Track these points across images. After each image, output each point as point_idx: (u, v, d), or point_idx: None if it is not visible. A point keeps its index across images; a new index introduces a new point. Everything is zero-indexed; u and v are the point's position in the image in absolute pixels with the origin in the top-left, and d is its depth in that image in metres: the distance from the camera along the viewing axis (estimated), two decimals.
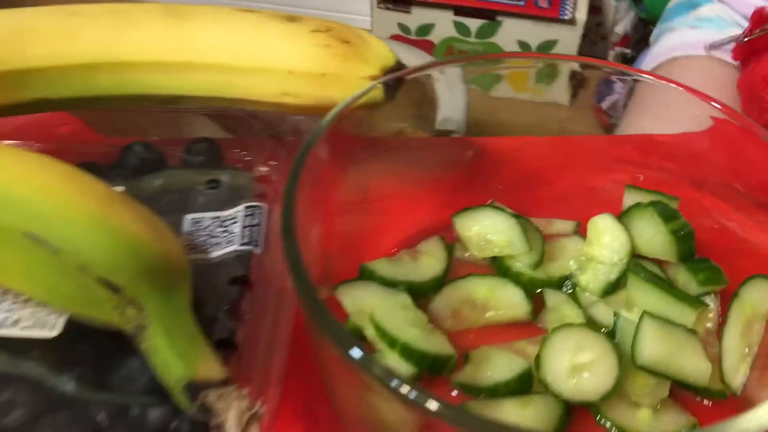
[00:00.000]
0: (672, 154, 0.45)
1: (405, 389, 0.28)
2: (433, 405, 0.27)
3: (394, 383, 0.28)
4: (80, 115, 0.52)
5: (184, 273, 0.35)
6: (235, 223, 0.40)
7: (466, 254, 0.46)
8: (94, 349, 0.36)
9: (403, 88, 0.51)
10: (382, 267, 0.43)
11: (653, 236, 0.43)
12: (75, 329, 0.35)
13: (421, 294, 0.43)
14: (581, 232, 0.46)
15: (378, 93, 0.41)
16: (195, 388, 0.30)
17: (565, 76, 0.49)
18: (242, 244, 0.39)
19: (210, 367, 0.31)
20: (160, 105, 0.45)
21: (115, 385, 0.35)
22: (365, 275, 0.43)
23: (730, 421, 0.28)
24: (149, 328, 0.32)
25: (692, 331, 0.39)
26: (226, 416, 0.29)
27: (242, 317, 0.36)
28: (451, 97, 0.55)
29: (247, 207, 0.40)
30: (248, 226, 0.39)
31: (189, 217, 0.41)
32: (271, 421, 0.37)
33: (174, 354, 0.31)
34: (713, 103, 0.40)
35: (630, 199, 0.45)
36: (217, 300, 0.36)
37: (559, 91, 0.51)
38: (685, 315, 0.40)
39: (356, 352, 0.29)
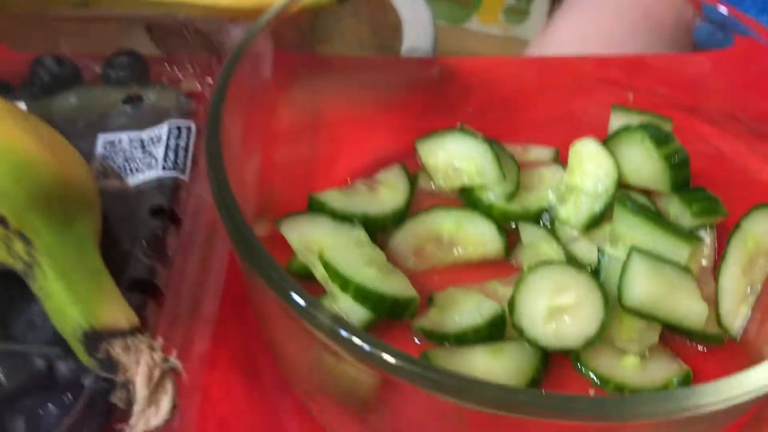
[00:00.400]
0: (664, 77, 0.40)
1: (357, 340, 0.23)
2: (389, 358, 0.22)
3: (343, 334, 0.23)
4: None
5: (88, 202, 0.29)
6: (158, 144, 0.34)
7: (432, 184, 0.40)
8: None
9: (365, 13, 0.45)
10: (334, 198, 0.38)
11: (643, 163, 0.38)
12: None
13: (379, 229, 0.38)
14: (561, 159, 0.41)
15: None
16: (95, 338, 0.24)
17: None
18: (165, 169, 0.32)
19: (116, 313, 0.25)
20: (72, 7, 0.39)
21: (15, 334, 0.29)
22: (315, 207, 0.37)
23: (736, 376, 0.23)
24: (41, 266, 0.26)
25: (686, 269, 0.35)
26: (134, 371, 0.23)
27: (165, 254, 0.30)
28: (417, 21, 0.49)
29: (172, 126, 0.34)
30: (173, 148, 0.33)
31: (103, 137, 0.35)
32: (202, 373, 0.32)
33: (70, 297, 0.25)
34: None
35: (617, 121, 0.40)
36: (135, 234, 0.31)
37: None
38: (678, 251, 0.35)
39: (297, 298, 0.24)
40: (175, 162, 0.33)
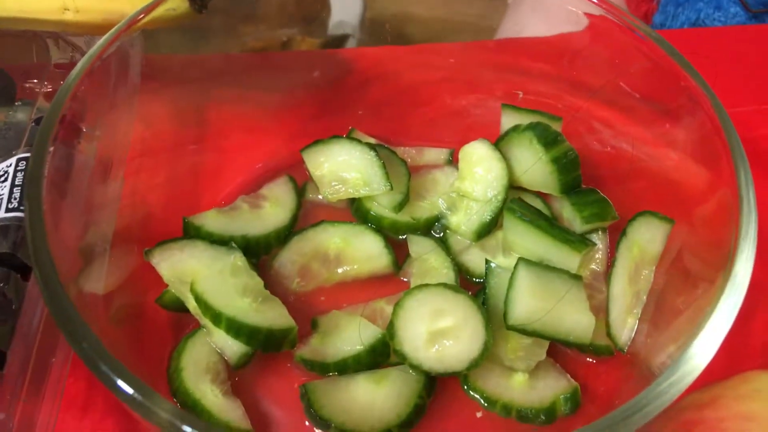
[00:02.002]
0: (552, 56, 0.38)
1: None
2: None
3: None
4: None
5: None
6: (4, 181, 0.31)
7: (320, 197, 0.38)
8: None
9: None
10: (211, 220, 0.35)
11: (533, 165, 0.36)
12: None
13: (263, 250, 0.36)
14: (456, 161, 0.39)
15: (181, 3, 0.32)
16: None
17: None
18: (9, 210, 0.30)
19: None
20: None
21: None
22: (190, 232, 0.35)
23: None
24: None
25: (576, 277, 0.33)
26: None
27: (8, 308, 0.28)
28: None
29: (20, 159, 0.32)
30: (20, 185, 0.31)
31: None
32: (53, 416, 0.30)
33: None
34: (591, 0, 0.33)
35: (508, 120, 0.38)
36: None
37: None
38: (568, 258, 0.34)
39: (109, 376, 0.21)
40: (21, 201, 0.30)
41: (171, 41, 0.39)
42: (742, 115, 0.43)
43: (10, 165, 0.32)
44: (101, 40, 0.30)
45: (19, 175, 0.31)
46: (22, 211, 0.30)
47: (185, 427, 0.20)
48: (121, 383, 0.21)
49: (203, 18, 0.36)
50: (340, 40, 0.49)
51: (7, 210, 0.30)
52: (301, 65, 0.44)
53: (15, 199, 0.30)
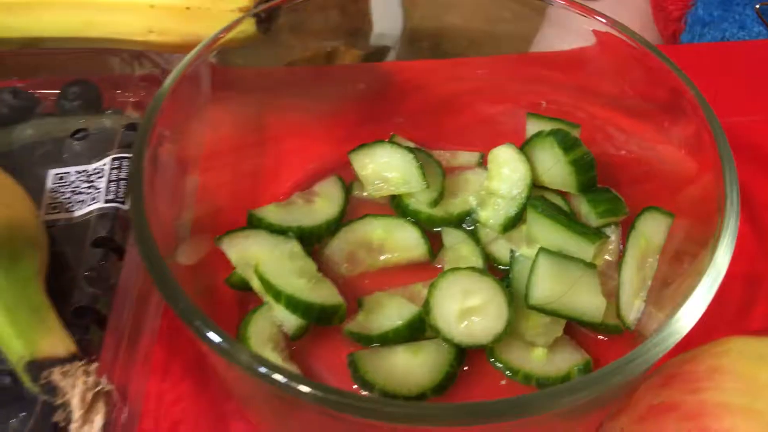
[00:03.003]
0: (570, 69, 0.42)
1: (262, 370, 0.25)
2: (276, 376, 0.25)
3: (258, 368, 0.26)
4: None
5: (33, 241, 0.32)
6: (101, 177, 0.37)
7: (365, 193, 0.43)
8: None
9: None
10: (271, 213, 0.41)
11: (553, 166, 0.40)
12: None
13: (315, 239, 0.41)
14: (486, 163, 0.44)
15: (249, 26, 0.38)
16: (37, 367, 0.28)
17: None
18: (107, 201, 0.36)
19: (55, 343, 0.29)
20: (20, 48, 0.42)
21: None
22: (254, 223, 0.41)
23: (616, 362, 0.26)
24: None
25: (591, 265, 0.38)
26: (71, 394, 0.27)
27: (107, 281, 0.34)
28: (386, 7, 0.51)
29: (115, 159, 0.37)
30: (115, 180, 0.37)
31: (53, 173, 0.38)
32: (143, 386, 0.35)
33: (13, 332, 0.28)
34: (597, 18, 0.38)
35: (532, 127, 0.43)
36: (80, 263, 0.34)
37: None
38: (584, 248, 0.38)
39: (209, 333, 0.26)
40: (116, 193, 0.36)
41: (224, 53, 0.44)
42: (742, 124, 0.47)
43: (105, 164, 0.38)
44: (186, 59, 0.35)
45: (114, 172, 0.37)
46: (117, 202, 0.36)
47: (261, 368, 0.25)
48: (210, 334, 0.26)
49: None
50: (381, 51, 0.54)
51: (105, 201, 0.36)
52: (348, 78, 0.49)
53: (111, 192, 0.36)
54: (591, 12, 0.38)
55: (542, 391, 0.26)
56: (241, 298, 0.39)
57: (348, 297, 0.38)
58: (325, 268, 0.40)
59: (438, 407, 0.26)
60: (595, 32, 0.38)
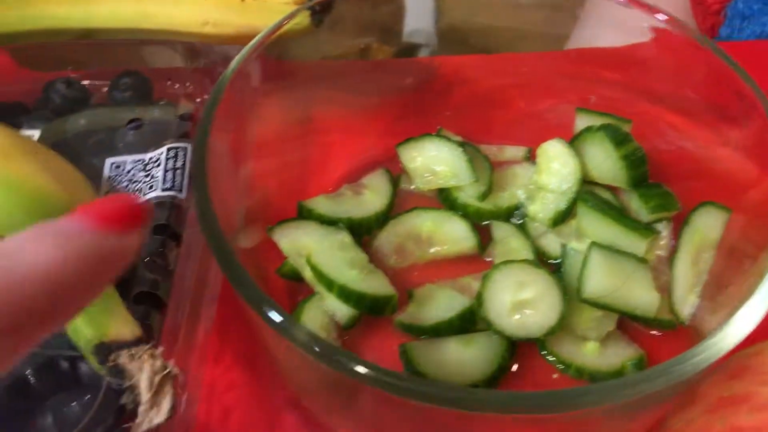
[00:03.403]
0: (621, 65, 0.42)
1: (324, 351, 0.26)
2: (347, 362, 0.25)
3: (313, 346, 0.26)
4: (4, 48, 0.49)
5: None
6: (158, 166, 0.37)
7: (412, 186, 0.44)
8: None
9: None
10: (321, 204, 0.41)
11: (604, 161, 0.40)
12: None
13: (364, 231, 0.41)
14: (534, 158, 0.44)
15: (304, 19, 0.38)
16: (104, 350, 0.28)
17: None
18: (164, 190, 0.36)
19: (121, 327, 0.29)
20: (77, 39, 0.42)
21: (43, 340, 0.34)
22: (304, 213, 0.41)
23: (680, 356, 0.26)
24: None
25: (642, 260, 0.38)
26: (138, 377, 0.27)
27: (166, 268, 0.34)
28: (419, 4, 0.51)
29: (170, 148, 0.38)
30: (171, 169, 0.37)
31: (110, 161, 0.39)
32: (202, 371, 0.36)
33: (82, 317, 0.29)
34: (656, 15, 0.37)
35: (582, 122, 0.43)
36: (139, 250, 0.34)
37: None
38: (635, 243, 0.38)
39: (272, 314, 0.27)
40: (173, 182, 0.37)
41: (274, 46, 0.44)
42: None
43: (162, 153, 0.38)
44: (243, 51, 0.35)
45: (170, 161, 0.37)
46: (174, 190, 0.36)
47: (316, 347, 0.26)
48: (272, 314, 0.27)
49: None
50: (413, 48, 0.54)
51: (162, 189, 0.36)
52: (395, 72, 0.49)
53: (168, 180, 0.37)
54: (648, 8, 0.38)
55: (610, 381, 0.26)
56: (292, 289, 0.39)
57: (397, 289, 0.38)
58: (374, 260, 0.40)
59: (502, 395, 0.26)
60: (652, 29, 0.38)
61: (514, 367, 0.37)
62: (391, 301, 0.37)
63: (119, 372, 0.28)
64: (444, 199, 0.43)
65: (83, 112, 0.43)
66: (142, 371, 0.27)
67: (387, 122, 0.47)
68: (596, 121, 0.42)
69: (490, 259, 0.41)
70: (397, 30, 0.52)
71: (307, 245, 0.39)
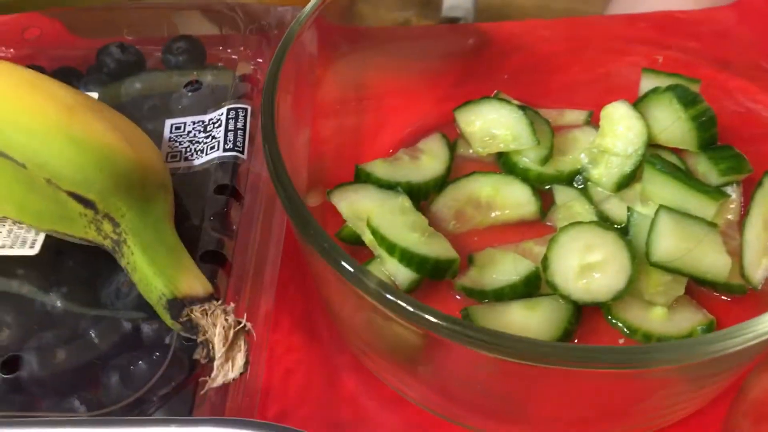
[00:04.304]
0: (694, 32, 0.41)
1: (401, 302, 0.26)
2: (430, 317, 0.25)
3: (388, 296, 0.26)
4: (55, 15, 0.49)
5: (163, 184, 0.32)
6: (218, 127, 0.37)
7: (470, 151, 0.43)
8: (81, 265, 0.35)
9: None
10: (379, 168, 0.41)
11: (672, 123, 0.39)
12: (61, 246, 0.34)
13: (422, 195, 0.41)
14: (594, 122, 0.43)
15: None
16: (177, 305, 0.28)
17: None
18: (226, 150, 0.36)
19: (193, 282, 0.29)
20: (128, 1, 0.42)
21: (105, 301, 0.34)
22: (362, 177, 0.40)
23: (751, 321, 0.26)
24: (127, 243, 0.30)
25: (712, 224, 0.37)
26: (212, 332, 0.27)
27: (230, 228, 0.34)
28: None
29: (230, 109, 0.38)
30: (232, 130, 0.37)
31: (170, 123, 0.38)
32: (266, 331, 0.36)
33: (153, 270, 0.29)
34: None
35: (647, 83, 0.41)
36: (203, 210, 0.34)
37: None
38: (705, 207, 0.37)
39: (346, 265, 0.27)
40: (234, 143, 0.36)
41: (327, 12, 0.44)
42: None
43: (222, 114, 0.38)
44: (302, 14, 0.35)
45: (231, 122, 0.37)
46: (236, 150, 0.36)
47: (388, 295, 0.25)
48: (345, 264, 0.26)
49: None
50: (452, 23, 0.53)
51: (224, 150, 0.36)
52: (448, 37, 0.48)
53: (230, 141, 0.36)
54: None
55: (685, 339, 0.25)
56: (352, 252, 0.39)
57: (458, 253, 0.38)
58: (432, 224, 0.39)
59: (578, 348, 0.26)
60: None
61: (578, 333, 0.36)
62: (453, 265, 0.37)
63: (192, 327, 0.28)
64: (503, 164, 0.42)
65: (138, 76, 0.43)
66: (216, 326, 0.27)
67: (442, 88, 0.46)
68: (663, 82, 0.40)
69: (551, 224, 0.40)
70: (436, 4, 0.51)
71: (366, 208, 0.38)
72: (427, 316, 0.25)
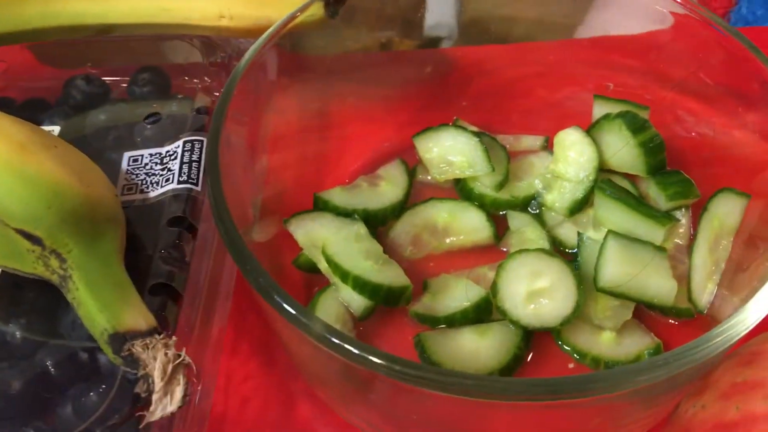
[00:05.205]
0: (639, 51, 0.42)
1: (338, 343, 0.26)
2: (374, 357, 0.25)
3: (330, 338, 0.26)
4: (25, 45, 0.50)
5: (113, 218, 0.33)
6: (174, 159, 0.38)
7: (428, 177, 0.43)
8: (40, 295, 0.35)
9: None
10: (337, 196, 0.41)
11: (622, 149, 0.40)
12: (19, 278, 0.35)
13: (380, 222, 0.41)
14: (551, 147, 0.44)
15: (317, 10, 0.38)
16: (119, 339, 0.29)
17: None
18: (180, 183, 0.37)
19: (136, 317, 0.29)
20: (96, 35, 0.43)
21: (63, 332, 0.34)
22: (320, 205, 0.41)
23: (693, 342, 0.26)
24: (72, 279, 0.30)
25: (660, 249, 0.37)
26: (152, 366, 0.28)
27: (183, 260, 0.35)
28: None
29: (186, 141, 0.38)
30: (187, 162, 0.37)
31: (128, 155, 0.39)
32: (216, 361, 0.36)
33: (97, 306, 0.29)
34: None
35: (599, 110, 0.42)
36: (156, 242, 0.35)
37: None
38: (653, 232, 0.38)
39: (285, 305, 0.27)
40: (189, 175, 0.37)
41: (290, 39, 0.44)
42: None
43: (178, 146, 0.38)
44: (259, 41, 0.36)
45: (186, 154, 0.38)
46: (190, 183, 0.37)
47: (334, 338, 0.26)
48: (287, 306, 0.27)
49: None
50: (435, 42, 0.53)
51: (179, 182, 0.37)
52: (410, 63, 0.49)
53: (184, 173, 0.37)
54: None
55: (621, 367, 0.26)
56: (308, 280, 0.40)
57: (413, 280, 0.38)
58: (389, 251, 0.40)
59: (517, 382, 0.26)
60: (672, 14, 0.37)
61: (530, 358, 0.37)
62: (405, 292, 0.37)
63: (133, 361, 0.29)
64: (460, 190, 0.43)
65: (102, 108, 0.43)
66: (156, 360, 0.28)
67: (403, 114, 0.47)
68: (614, 108, 0.41)
69: (506, 249, 0.40)
70: (418, 23, 0.52)
71: (322, 236, 0.39)
72: (369, 357, 0.25)
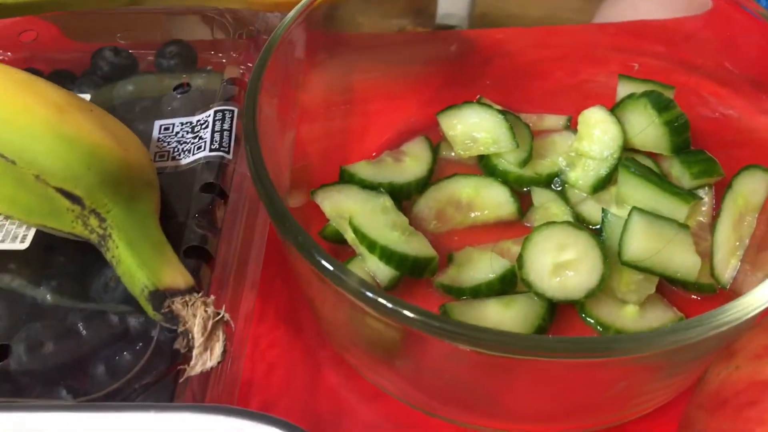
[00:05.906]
0: (665, 38, 0.42)
1: (379, 299, 0.26)
2: (408, 313, 0.26)
3: (366, 293, 0.26)
4: (51, 19, 0.50)
5: (148, 181, 0.33)
6: (205, 128, 0.38)
7: (452, 154, 0.44)
8: (71, 259, 0.36)
9: None
10: (362, 169, 0.42)
11: (646, 128, 0.40)
12: (51, 241, 0.35)
13: (405, 196, 0.42)
14: (573, 127, 0.44)
15: None
16: (159, 296, 0.29)
17: None
18: (212, 150, 0.37)
19: (175, 275, 0.30)
20: (125, 6, 0.43)
21: (93, 295, 0.35)
22: (346, 178, 0.41)
23: (714, 311, 0.27)
24: (112, 237, 0.31)
25: (683, 226, 0.38)
26: (192, 322, 0.28)
27: (215, 225, 0.35)
28: None
29: (217, 111, 0.39)
30: (219, 131, 0.38)
31: (159, 123, 0.39)
32: (248, 325, 0.37)
33: (137, 263, 0.30)
34: None
35: (624, 89, 0.43)
36: (189, 208, 0.35)
37: None
38: (677, 209, 0.38)
39: (325, 263, 0.27)
40: (221, 143, 0.37)
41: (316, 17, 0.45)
42: None
43: (209, 115, 0.39)
44: (288, 17, 0.36)
45: (218, 123, 0.38)
46: (222, 150, 0.37)
47: (369, 293, 0.26)
48: (325, 262, 0.27)
49: None
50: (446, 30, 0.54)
51: (211, 150, 0.37)
52: (432, 43, 0.50)
53: (216, 141, 0.38)
54: None
55: (649, 331, 0.26)
56: (334, 251, 0.40)
57: (437, 252, 0.39)
58: (414, 224, 0.41)
59: (548, 339, 0.27)
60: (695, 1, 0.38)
61: (553, 330, 0.37)
62: (431, 263, 0.38)
63: (173, 318, 0.29)
64: (484, 166, 0.43)
65: (131, 79, 0.44)
66: (196, 317, 0.28)
67: (427, 92, 0.47)
68: (638, 88, 0.42)
69: (529, 225, 0.41)
70: (430, 12, 0.52)
71: (349, 208, 0.39)
72: (403, 311, 0.26)
